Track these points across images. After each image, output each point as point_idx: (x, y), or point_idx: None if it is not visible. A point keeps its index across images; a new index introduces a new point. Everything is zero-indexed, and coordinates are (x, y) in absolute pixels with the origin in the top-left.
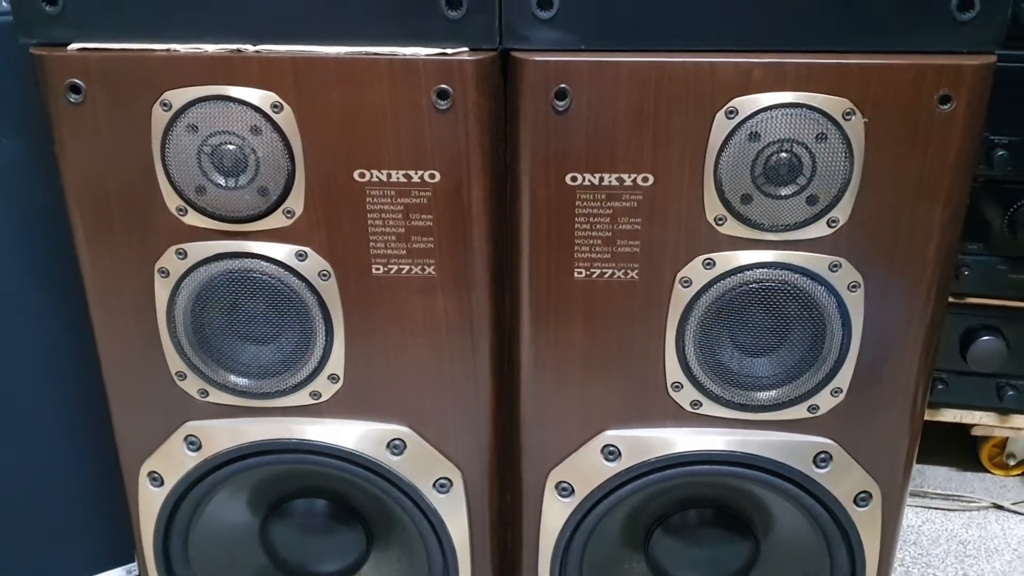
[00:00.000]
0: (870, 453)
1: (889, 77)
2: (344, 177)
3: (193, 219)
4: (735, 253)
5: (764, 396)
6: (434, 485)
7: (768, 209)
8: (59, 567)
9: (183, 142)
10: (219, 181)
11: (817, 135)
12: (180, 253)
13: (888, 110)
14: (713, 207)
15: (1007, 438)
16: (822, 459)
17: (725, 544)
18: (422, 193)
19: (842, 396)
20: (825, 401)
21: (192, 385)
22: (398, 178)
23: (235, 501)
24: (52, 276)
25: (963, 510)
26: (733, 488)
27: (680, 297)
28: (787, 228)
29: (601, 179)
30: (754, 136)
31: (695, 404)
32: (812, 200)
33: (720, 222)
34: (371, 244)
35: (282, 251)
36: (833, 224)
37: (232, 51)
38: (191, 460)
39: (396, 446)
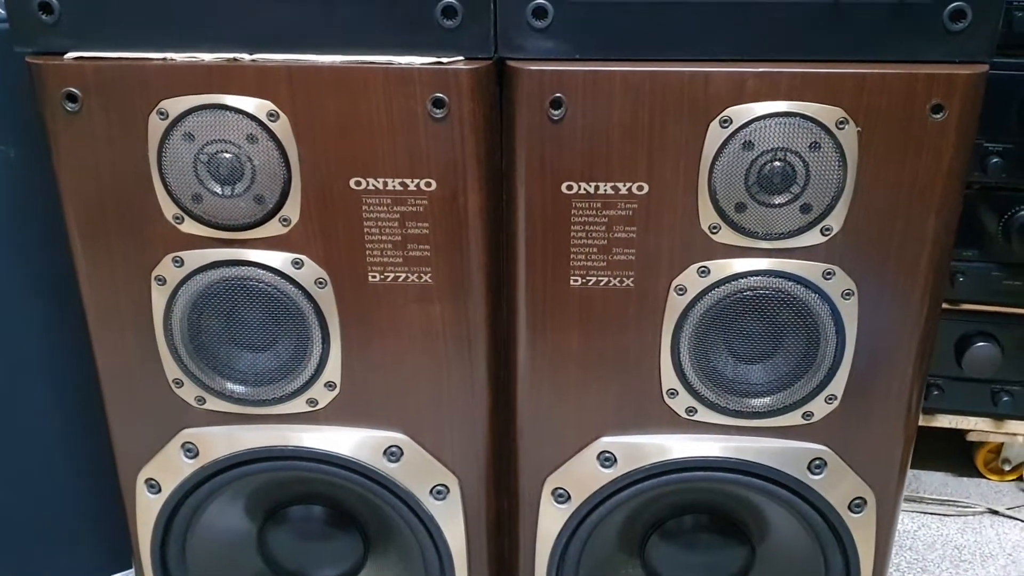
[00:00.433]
0: (865, 459)
1: (882, 86)
2: (340, 185)
3: (190, 227)
4: (729, 261)
5: (759, 403)
6: (431, 492)
7: (762, 217)
8: (57, 573)
9: (179, 150)
10: (215, 189)
11: (811, 144)
12: (177, 261)
13: (881, 119)
14: (707, 215)
15: (1002, 443)
16: (817, 465)
17: (721, 550)
18: (418, 201)
19: (836, 403)
20: (819, 408)
21: (189, 392)
22: (394, 186)
23: (232, 508)
24: (49, 284)
25: (958, 515)
26: (729, 494)
27: (675, 305)
28: (781, 236)
29: (596, 188)
30: (748, 145)
31: (690, 411)
32: (806, 208)
33: (714, 230)
34: (367, 252)
35: (278, 259)
36: (827, 232)
37: (228, 60)
38: (188, 467)
39: (393, 453)
